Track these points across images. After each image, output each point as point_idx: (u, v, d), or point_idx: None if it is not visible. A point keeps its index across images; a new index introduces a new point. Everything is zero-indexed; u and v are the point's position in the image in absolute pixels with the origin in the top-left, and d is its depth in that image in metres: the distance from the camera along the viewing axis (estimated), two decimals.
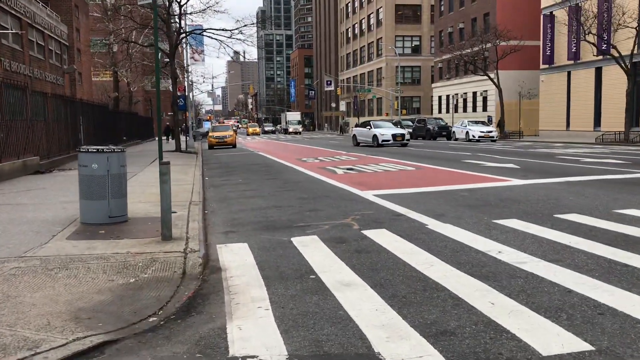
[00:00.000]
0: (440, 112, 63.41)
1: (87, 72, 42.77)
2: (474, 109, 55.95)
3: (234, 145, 37.21)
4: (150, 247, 6.49)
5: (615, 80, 35.81)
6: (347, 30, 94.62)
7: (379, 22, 78.70)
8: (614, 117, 35.67)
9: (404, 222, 7.91)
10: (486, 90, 53.00)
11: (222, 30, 28.87)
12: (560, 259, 5.61)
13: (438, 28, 64.41)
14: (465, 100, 57.67)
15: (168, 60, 30.09)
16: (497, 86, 44.16)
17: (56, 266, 5.77)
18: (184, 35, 31.21)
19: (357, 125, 36.12)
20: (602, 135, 33.54)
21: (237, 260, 6.18)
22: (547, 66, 43.92)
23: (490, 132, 38.07)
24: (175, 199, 10.35)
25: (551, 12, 42.82)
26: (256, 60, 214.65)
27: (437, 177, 13.82)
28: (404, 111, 68.11)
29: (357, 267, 5.63)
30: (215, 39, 29.60)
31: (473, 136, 38.12)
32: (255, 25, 30.61)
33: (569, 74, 41.64)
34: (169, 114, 51.55)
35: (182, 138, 34.27)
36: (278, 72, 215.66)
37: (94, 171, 7.77)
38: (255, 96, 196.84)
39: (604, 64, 37.34)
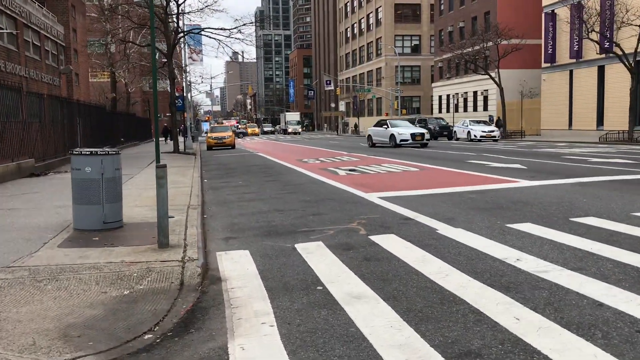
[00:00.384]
0: (440, 111, 63.07)
1: (85, 72, 42.39)
2: (475, 109, 55.60)
3: (233, 146, 36.85)
4: (146, 255, 6.12)
5: (619, 78, 35.47)
6: (346, 30, 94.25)
7: (378, 22, 78.35)
8: (617, 116, 35.33)
9: (412, 226, 7.55)
10: (487, 90, 52.66)
11: (221, 29, 28.51)
12: (584, 267, 5.25)
13: (438, 27, 64.07)
14: (465, 100, 57.32)
15: (166, 60, 29.71)
16: (499, 85, 43.81)
17: (46, 277, 5.41)
18: (182, 35, 30.83)
19: (375, 125, 34.05)
20: (606, 134, 33.20)
21: (238, 269, 5.82)
22: (548, 65, 43.58)
23: (492, 131, 37.72)
24: (173, 202, 9.99)
25: (553, 10, 42.47)
26: (255, 61, 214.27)
27: (443, 178, 13.46)
28: (404, 111, 67.74)
29: (366, 277, 5.26)
30: (214, 39, 29.25)
31: (475, 136, 37.77)
32: (253, 24, 30.24)
33: (571, 72, 41.30)
34: (167, 114, 51.17)
35: (180, 139, 33.91)
36: (277, 73, 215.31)
37: (87, 175, 7.40)
38: (254, 97, 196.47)
39: (606, 62, 37.01)
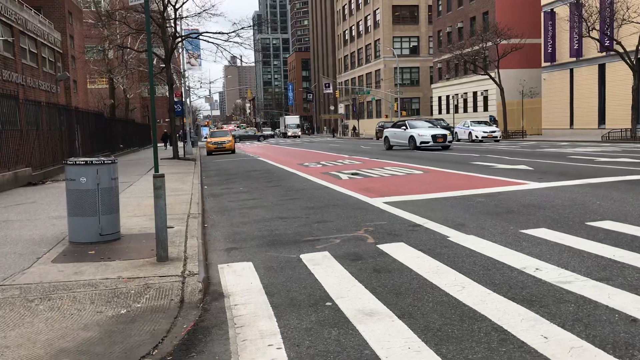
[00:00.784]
0: (440, 112, 62.81)
1: (82, 79, 42.12)
2: (475, 109, 55.35)
3: (233, 151, 36.59)
4: (144, 270, 5.82)
5: (620, 76, 35.22)
6: (344, 32, 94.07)
7: (376, 24, 78.16)
8: (619, 114, 35.06)
9: (422, 234, 7.24)
10: (487, 90, 52.41)
11: (219, 33, 28.25)
12: (610, 277, 4.94)
13: (437, 28, 63.85)
14: (465, 101, 57.06)
15: (164, 66, 29.44)
16: (499, 85, 43.56)
17: (37, 296, 5.10)
18: (179, 39, 30.56)
19: (392, 126, 32.09)
20: (608, 133, 32.91)
21: (242, 283, 5.51)
22: (548, 64, 43.36)
23: (494, 132, 37.44)
24: (173, 211, 9.70)
25: (552, 9, 42.25)
26: (253, 65, 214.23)
27: (448, 181, 13.16)
28: (404, 112, 67.48)
29: (378, 291, 4.96)
30: (212, 43, 28.99)
31: (476, 137, 37.49)
32: (252, 28, 29.96)
33: (571, 71, 41.06)
34: (167, 120, 50.92)
35: (180, 144, 33.62)
36: (275, 76, 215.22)
37: (83, 185, 7.10)
38: (253, 100, 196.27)
39: (607, 60, 36.78)
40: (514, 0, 49.90)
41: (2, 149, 15.48)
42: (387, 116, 71.26)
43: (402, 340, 3.82)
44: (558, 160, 17.34)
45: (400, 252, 6.31)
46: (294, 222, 8.68)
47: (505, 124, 44.05)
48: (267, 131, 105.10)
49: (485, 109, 53.12)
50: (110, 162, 7.30)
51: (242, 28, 28.36)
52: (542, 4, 43.46)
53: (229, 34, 28.08)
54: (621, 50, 30.85)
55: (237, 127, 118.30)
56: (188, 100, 46.73)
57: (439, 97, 63.72)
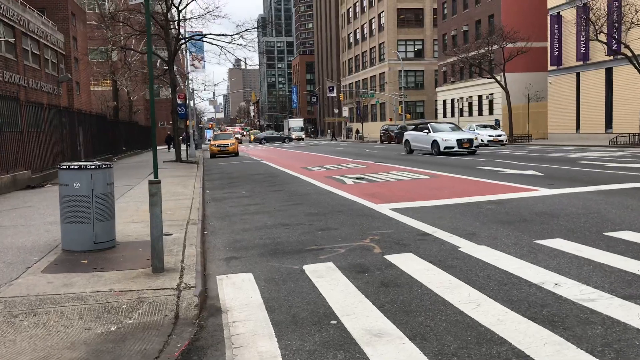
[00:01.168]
0: (445, 116, 62.41)
1: (86, 81, 41.94)
2: (480, 113, 54.94)
3: (236, 154, 36.32)
4: (138, 282, 5.50)
5: (628, 80, 34.79)
6: (348, 35, 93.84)
7: (380, 27, 77.89)
8: (627, 119, 34.63)
9: (431, 243, 6.90)
10: (492, 94, 52.01)
11: (223, 35, 27.97)
12: (637, 295, 4.59)
13: (441, 31, 63.53)
14: (470, 104, 56.66)
15: (167, 68, 29.20)
16: (505, 89, 43.17)
17: (23, 311, 4.78)
18: (183, 41, 30.32)
19: (414, 129, 29.69)
20: (616, 137, 32.47)
21: (241, 297, 5.19)
22: (555, 68, 42.93)
23: (500, 136, 37.03)
24: (172, 217, 9.39)
25: (558, 13, 41.86)
26: (257, 67, 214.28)
27: (456, 186, 12.81)
28: (408, 116, 67.14)
29: (386, 308, 4.62)
30: (216, 45, 28.72)
31: (482, 141, 37.07)
32: (256, 29, 29.69)
33: (578, 75, 40.64)
34: (170, 123, 50.70)
35: (183, 147, 33.36)
36: (280, 79, 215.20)
37: (76, 191, 6.79)
38: (257, 103, 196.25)
39: (614, 64, 36.35)
40: (520, 4, 49.55)
41: (1, 151, 15.21)
42: (391, 119, 70.93)
43: None
44: (567, 166, 16.96)
45: (409, 263, 5.98)
46: (297, 230, 8.36)
47: (511, 128, 43.64)
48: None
49: (491, 112, 52.72)
50: (105, 166, 6.99)
51: (246, 30, 28.11)
52: (548, 7, 43.07)
53: (233, 36, 27.83)
54: (629, 54, 30.44)
55: (242, 129, 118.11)
56: (192, 102, 46.51)
57: (444, 101, 63.35)
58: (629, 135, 31.71)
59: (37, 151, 18.62)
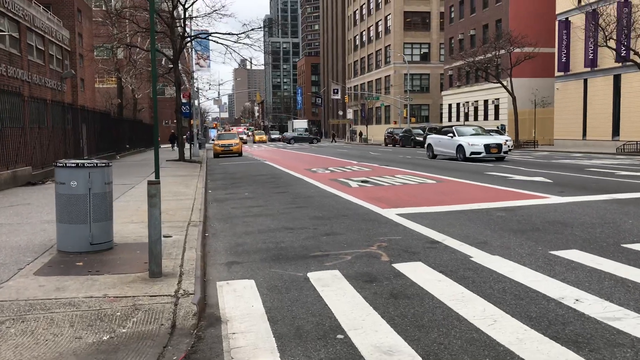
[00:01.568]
0: (450, 120, 62.09)
1: (90, 78, 41.75)
2: (485, 117, 54.59)
3: (240, 154, 36.07)
4: (133, 287, 5.22)
5: (636, 87, 34.45)
6: (354, 37, 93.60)
7: (387, 30, 77.62)
8: (634, 127, 34.27)
9: (441, 252, 6.62)
10: (498, 99, 51.68)
11: (229, 34, 27.73)
12: None
13: (448, 35, 63.23)
14: (476, 109, 56.32)
15: (172, 66, 28.97)
16: (511, 94, 42.83)
17: (10, 317, 4.52)
18: (188, 40, 30.09)
19: (437, 132, 27.67)
20: (623, 145, 32.11)
21: (242, 306, 4.91)
22: (562, 74, 42.57)
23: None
24: (173, 218, 9.13)
25: (567, 18, 41.53)
26: (263, 68, 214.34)
27: (464, 192, 12.51)
28: (413, 119, 66.83)
29: (396, 322, 4.34)
30: (222, 44, 28.50)
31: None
32: (262, 29, 29.45)
33: (585, 81, 40.28)
34: (174, 121, 50.52)
35: (186, 146, 33.12)
36: (285, 80, 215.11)
37: (73, 190, 6.53)
38: (262, 104, 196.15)
39: (623, 71, 36.00)
40: (527, 9, 49.22)
41: (1, 147, 14.99)
42: (395, 122, 70.62)
43: None
44: (576, 173, 16.65)
45: (419, 273, 5.69)
46: (301, 234, 8.08)
47: (516, 134, 43.30)
48: (275, 135, 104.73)
49: (496, 117, 52.37)
50: (103, 165, 6.73)
51: (253, 29, 27.85)
52: (556, 12, 42.75)
53: (239, 35, 27.60)
54: (638, 61, 30.09)
55: (247, 129, 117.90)
56: (196, 101, 46.30)
57: (449, 105, 63.03)
58: (637, 143, 31.34)
59: (39, 147, 18.40)
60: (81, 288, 5.20)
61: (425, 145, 27.57)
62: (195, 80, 47.51)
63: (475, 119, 56.16)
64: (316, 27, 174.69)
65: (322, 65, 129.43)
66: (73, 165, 6.54)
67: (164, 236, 7.48)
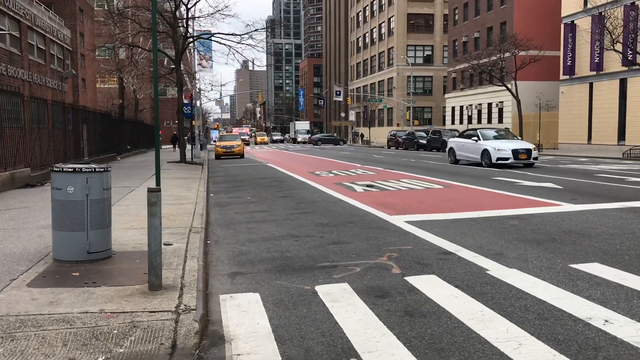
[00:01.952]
0: (453, 123, 61.78)
1: (92, 78, 41.51)
2: (489, 121, 54.28)
3: (242, 156, 35.80)
4: (132, 301, 4.92)
5: None
6: (357, 39, 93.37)
7: (390, 31, 77.38)
8: None
9: (455, 264, 6.31)
10: (502, 102, 51.38)
11: (232, 35, 27.46)
12: None
13: (452, 37, 62.94)
14: (479, 112, 56.02)
15: (174, 66, 28.70)
16: (516, 97, 42.50)
17: None
18: (191, 40, 29.83)
19: (459, 135, 26.09)
20: (630, 150, 31.77)
21: (247, 323, 4.61)
22: (567, 77, 42.26)
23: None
24: (173, 224, 8.83)
25: (572, 21, 41.23)
26: (265, 69, 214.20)
27: (473, 198, 12.20)
28: (416, 122, 66.55)
29: (414, 344, 4.03)
30: (224, 45, 28.22)
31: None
32: (265, 30, 29.17)
33: (591, 85, 39.96)
34: (176, 122, 50.29)
35: (188, 147, 32.83)
36: (287, 81, 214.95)
37: (70, 196, 6.23)
38: (264, 105, 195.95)
39: (629, 75, 35.69)
40: (533, 11, 48.93)
41: (0, 148, 14.70)
42: (398, 124, 70.34)
43: None
44: (585, 179, 16.33)
45: (434, 288, 5.38)
46: (307, 242, 7.78)
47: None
48: (277, 136, 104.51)
49: (500, 120, 52.06)
50: (102, 170, 6.43)
51: (256, 30, 27.60)
52: (562, 15, 42.44)
53: (242, 36, 27.33)
54: None
55: (249, 130, 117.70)
56: (198, 102, 46.04)
57: (453, 108, 62.72)
58: None
59: (39, 148, 18.13)
60: (76, 302, 4.90)
61: (447, 150, 26.03)
62: (197, 81, 47.28)
63: (479, 122, 55.84)
64: (319, 28, 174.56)
65: (324, 67, 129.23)
66: (70, 170, 6.24)
67: (164, 244, 7.19)
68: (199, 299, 5.01)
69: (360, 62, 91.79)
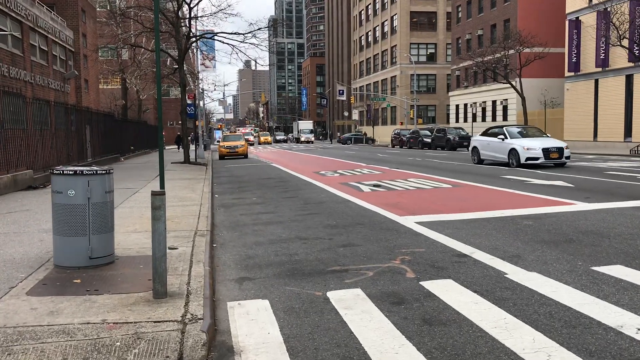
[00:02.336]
0: (457, 121, 61.47)
1: (94, 79, 41.36)
2: (494, 118, 53.95)
3: (246, 156, 35.61)
4: (136, 310, 4.69)
5: None
6: (360, 38, 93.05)
7: (393, 30, 77.05)
8: None
9: (472, 267, 6.06)
10: (506, 99, 51.04)
11: (235, 34, 27.25)
12: None
13: (455, 35, 62.60)
14: (484, 109, 55.68)
15: (177, 67, 28.51)
16: (520, 94, 42.16)
17: None
18: (194, 40, 29.62)
19: (483, 133, 24.29)
20: (637, 147, 31.42)
21: (256, 333, 4.37)
22: (572, 74, 41.92)
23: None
24: (178, 227, 8.61)
25: (577, 17, 40.87)
26: (267, 69, 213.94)
27: (484, 197, 11.94)
28: (420, 120, 66.22)
29: (435, 357, 3.78)
30: (228, 44, 28.01)
31: None
32: (268, 28, 28.94)
33: (596, 81, 39.62)
34: (180, 122, 50.15)
35: (191, 147, 32.65)
36: (289, 81, 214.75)
37: (71, 199, 6.01)
38: (267, 104, 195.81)
39: (635, 71, 35.34)
40: (536, 8, 48.57)
41: (2, 150, 14.51)
42: (402, 123, 70.03)
43: None
44: (596, 176, 16.04)
45: (451, 294, 5.14)
46: (316, 245, 7.54)
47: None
48: (280, 136, 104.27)
49: (505, 118, 51.73)
50: (104, 172, 6.20)
51: (259, 29, 27.36)
52: (566, 11, 42.08)
53: (245, 35, 27.10)
54: None
55: (253, 130, 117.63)
56: (201, 102, 45.85)
57: (457, 106, 62.39)
58: None
59: (41, 150, 17.95)
60: (77, 311, 4.67)
61: (470, 149, 24.55)
62: (200, 81, 47.07)
63: (483, 119, 55.51)
64: (321, 27, 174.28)
65: (327, 66, 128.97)
66: (70, 172, 6.02)
67: (169, 248, 6.97)
68: (206, 307, 4.78)
69: (363, 60, 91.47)
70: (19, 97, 17.18)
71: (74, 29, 33.90)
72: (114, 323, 4.39)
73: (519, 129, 22.62)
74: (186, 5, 27.35)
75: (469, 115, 57.70)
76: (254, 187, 16.08)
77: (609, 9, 34.41)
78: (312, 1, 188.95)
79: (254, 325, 4.55)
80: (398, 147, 51.71)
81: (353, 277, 5.84)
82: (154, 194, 5.05)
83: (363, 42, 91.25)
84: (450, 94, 64.89)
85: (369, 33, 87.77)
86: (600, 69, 38.74)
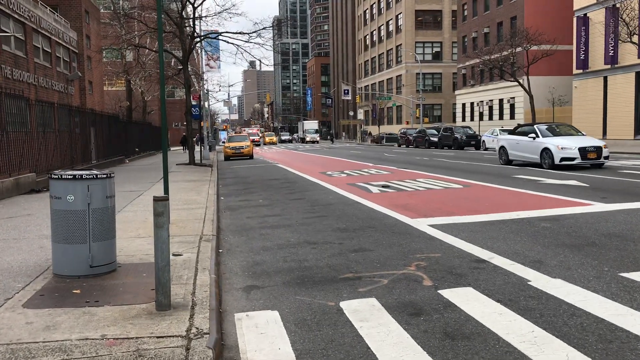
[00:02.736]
0: (464, 120, 61.04)
1: (99, 80, 41.20)
2: (501, 117, 53.51)
3: (251, 157, 35.36)
4: (138, 324, 4.40)
5: None
6: (364, 37, 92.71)
7: (398, 29, 76.68)
8: None
9: (492, 274, 5.74)
10: (513, 97, 50.60)
11: (239, 33, 26.98)
12: None
13: (461, 33, 62.16)
14: (491, 108, 55.23)
15: (182, 67, 28.27)
16: (528, 92, 41.72)
17: None
18: (198, 40, 29.38)
19: (511, 132, 22.76)
20: None
21: (267, 348, 4.07)
22: (580, 71, 41.43)
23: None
24: (183, 231, 8.33)
25: (585, 14, 40.38)
26: (272, 69, 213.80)
27: (497, 198, 11.60)
28: (426, 119, 65.83)
29: None
30: (232, 44, 27.74)
31: None
32: (272, 28, 28.67)
33: (605, 79, 39.13)
34: (185, 124, 49.93)
35: (197, 149, 32.41)
36: (294, 81, 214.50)
37: (70, 205, 5.74)
38: (272, 105, 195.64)
39: None
40: (544, 5, 48.12)
41: (2, 154, 14.28)
42: (407, 122, 69.67)
43: None
44: (609, 175, 15.67)
45: (473, 303, 4.83)
46: (326, 250, 7.24)
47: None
48: (286, 136, 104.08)
49: (512, 116, 51.27)
50: (104, 176, 5.93)
51: (264, 28, 27.10)
52: (574, 8, 41.60)
53: (250, 34, 26.84)
54: None
55: (258, 130, 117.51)
56: (206, 103, 45.64)
57: (463, 104, 61.96)
58: None
59: (44, 152, 17.73)
60: (75, 325, 4.39)
61: (497, 149, 22.86)
62: (205, 82, 46.88)
63: (490, 118, 55.09)
64: (325, 27, 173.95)
65: (332, 66, 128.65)
66: (69, 177, 5.74)
67: (174, 254, 6.69)
68: (212, 320, 4.48)
69: (368, 60, 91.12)
70: (22, 99, 16.96)
71: (77, 31, 33.72)
72: (114, 339, 4.11)
73: (552, 127, 20.83)
74: (190, 5, 27.11)
75: (476, 113, 57.24)
76: (260, 188, 15.80)
77: (617, 5, 33.95)
78: (317, 1, 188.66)
79: (264, 339, 4.26)
80: (404, 146, 51.34)
81: (367, 286, 5.54)
82: (156, 199, 4.76)
83: (368, 41, 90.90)
84: (456, 92, 64.46)
85: (374, 32, 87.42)
86: (609, 66, 38.25)
